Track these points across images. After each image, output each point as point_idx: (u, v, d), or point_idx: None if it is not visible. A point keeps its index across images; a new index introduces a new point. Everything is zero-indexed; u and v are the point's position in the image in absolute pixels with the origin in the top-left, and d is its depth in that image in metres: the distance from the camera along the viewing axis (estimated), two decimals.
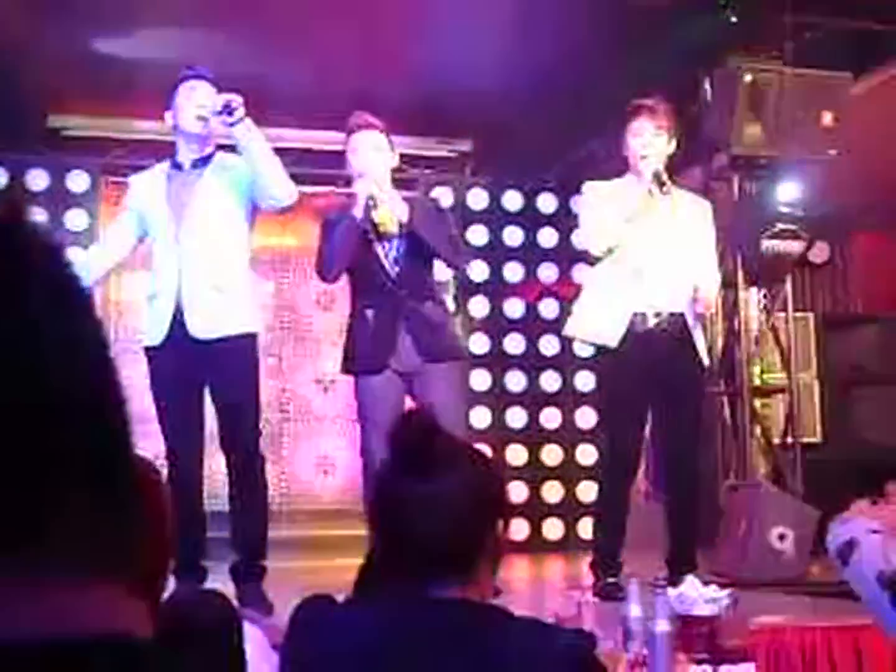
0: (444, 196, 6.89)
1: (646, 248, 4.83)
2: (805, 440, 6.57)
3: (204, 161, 4.58)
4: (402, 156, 5.08)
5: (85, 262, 4.64)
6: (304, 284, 7.76)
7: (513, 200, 7.60)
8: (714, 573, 4.94)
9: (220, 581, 4.29)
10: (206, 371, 4.46)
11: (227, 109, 4.34)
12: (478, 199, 7.49)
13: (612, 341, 4.75)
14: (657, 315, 4.81)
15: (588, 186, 5.06)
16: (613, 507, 4.92)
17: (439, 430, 1.79)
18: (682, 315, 4.83)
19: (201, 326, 4.42)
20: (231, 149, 4.55)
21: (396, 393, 4.63)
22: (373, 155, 4.68)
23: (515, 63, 6.16)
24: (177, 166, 4.63)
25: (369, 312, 4.67)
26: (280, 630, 2.24)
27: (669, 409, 4.86)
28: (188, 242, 4.47)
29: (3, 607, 0.57)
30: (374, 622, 1.75)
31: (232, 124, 4.37)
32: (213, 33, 5.62)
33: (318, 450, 7.67)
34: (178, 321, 4.42)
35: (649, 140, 4.88)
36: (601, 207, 4.88)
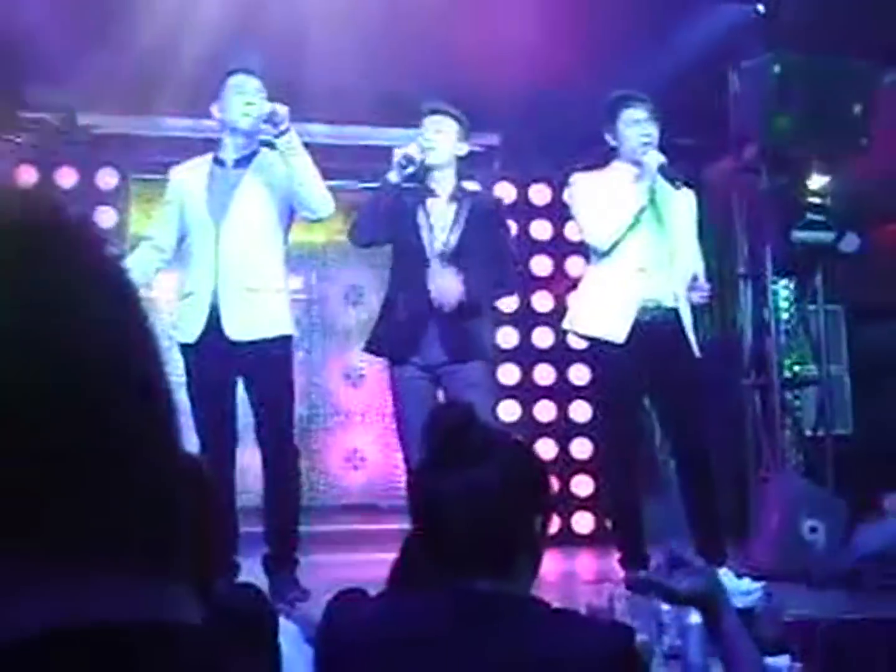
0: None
1: (646, 240, 4.80)
2: (836, 432, 6.53)
3: (247, 160, 4.58)
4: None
5: (137, 262, 4.64)
6: (332, 279, 7.78)
7: (541, 194, 7.57)
8: (747, 566, 4.92)
9: (252, 577, 4.30)
10: (241, 371, 4.50)
11: (272, 121, 4.38)
12: (505, 192, 7.47)
13: (619, 337, 4.71)
14: (656, 308, 4.78)
15: (579, 178, 4.99)
16: (622, 500, 4.89)
17: (475, 420, 1.79)
18: (675, 309, 4.81)
19: (237, 328, 4.44)
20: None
21: (425, 386, 4.63)
22: (433, 136, 4.68)
23: (542, 56, 6.14)
24: (219, 162, 4.62)
25: (402, 299, 4.66)
26: (314, 624, 2.25)
27: (672, 401, 4.83)
28: (227, 242, 4.48)
29: (53, 594, 0.58)
30: (408, 615, 1.76)
31: (275, 136, 4.41)
32: (243, 30, 5.63)
33: (347, 444, 7.68)
34: (213, 320, 4.44)
35: (647, 128, 4.84)
36: (600, 200, 4.83)
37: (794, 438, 6.40)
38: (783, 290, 6.58)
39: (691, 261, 4.94)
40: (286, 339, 4.60)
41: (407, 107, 4.83)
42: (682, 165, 5.24)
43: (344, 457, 7.66)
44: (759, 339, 6.47)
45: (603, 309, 4.81)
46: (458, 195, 4.75)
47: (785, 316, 6.54)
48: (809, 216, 6.10)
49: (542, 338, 7.46)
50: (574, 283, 7.51)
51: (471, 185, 6.70)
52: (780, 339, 6.41)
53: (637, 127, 4.85)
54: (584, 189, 4.95)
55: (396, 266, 4.78)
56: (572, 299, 5.10)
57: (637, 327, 4.71)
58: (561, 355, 7.39)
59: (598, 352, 4.94)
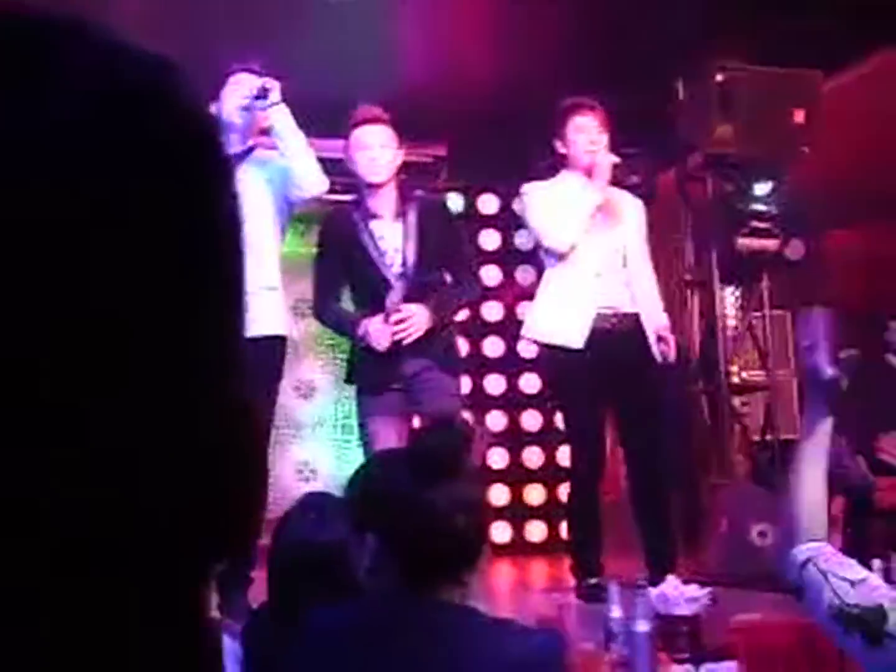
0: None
1: (599, 246, 4.82)
2: (784, 437, 6.58)
3: (242, 156, 4.54)
4: None
5: None
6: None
7: (489, 204, 7.60)
8: (696, 572, 4.95)
9: None
10: None
11: (263, 93, 4.38)
12: (453, 203, 7.47)
13: (578, 343, 4.71)
14: (615, 315, 4.80)
15: (531, 187, 5.01)
16: (585, 508, 4.90)
17: (466, 437, 1.82)
18: (635, 313, 4.83)
19: None
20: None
21: (395, 397, 4.56)
22: (380, 153, 4.62)
23: (488, 65, 6.16)
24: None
25: None
26: None
27: (629, 407, 4.84)
28: None
29: None
30: (350, 622, 1.77)
31: (266, 108, 4.40)
32: (186, 36, 5.60)
33: (298, 457, 7.65)
34: None
35: (596, 137, 4.87)
36: (554, 206, 4.84)
37: (741, 444, 6.44)
38: (729, 296, 6.63)
39: (644, 265, 4.98)
40: (278, 340, 4.53)
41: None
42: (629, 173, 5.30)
43: (295, 469, 7.62)
44: (706, 345, 6.52)
45: (560, 315, 4.81)
46: (401, 210, 4.65)
47: (732, 322, 6.58)
48: (753, 223, 6.16)
49: (493, 347, 7.48)
50: (523, 293, 7.56)
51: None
52: (727, 346, 6.46)
53: (585, 134, 4.87)
54: (537, 197, 4.97)
55: (358, 299, 4.70)
56: (529, 307, 5.11)
57: (597, 335, 4.72)
58: (511, 364, 7.42)
59: (555, 358, 4.91)
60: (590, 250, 4.79)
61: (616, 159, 4.83)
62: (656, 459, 4.87)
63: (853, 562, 1.78)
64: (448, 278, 4.71)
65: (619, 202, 4.96)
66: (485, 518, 1.89)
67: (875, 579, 1.74)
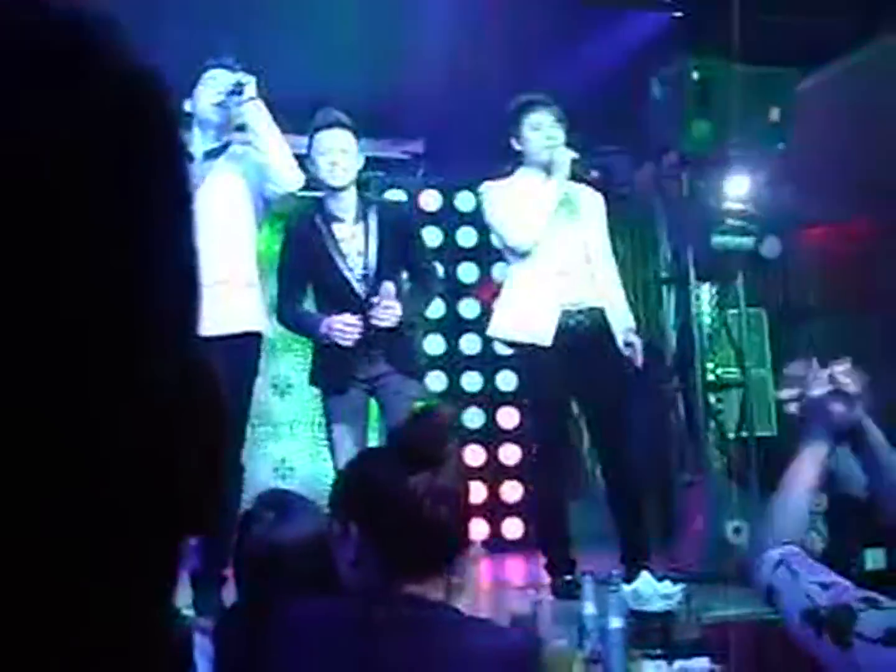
0: (396, 198, 6.90)
1: (561, 242, 4.82)
2: (760, 434, 6.60)
3: (217, 152, 4.53)
4: None
5: None
6: None
7: (466, 201, 7.59)
8: (671, 568, 4.97)
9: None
10: None
11: (238, 89, 4.36)
12: (430, 200, 7.48)
13: (546, 340, 4.71)
14: (579, 311, 4.80)
15: (490, 186, 5.00)
16: (551, 505, 4.90)
17: (448, 428, 1.83)
18: (601, 309, 4.84)
19: (206, 323, 4.30)
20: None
21: (358, 395, 4.58)
22: (339, 157, 4.61)
23: (467, 62, 6.15)
24: (188, 158, 4.54)
25: None
26: None
27: (598, 402, 4.85)
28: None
29: None
30: (324, 617, 1.77)
31: (241, 104, 4.38)
32: (161, 32, 5.57)
33: (275, 454, 7.64)
34: None
35: (553, 132, 4.86)
36: (514, 204, 4.84)
37: (717, 441, 6.46)
38: (705, 294, 6.64)
39: (607, 259, 4.99)
40: (255, 337, 4.51)
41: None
42: (604, 171, 5.29)
43: (272, 467, 7.61)
44: (682, 343, 6.53)
45: (526, 314, 4.80)
46: (362, 213, 4.66)
47: (707, 320, 6.60)
48: (729, 221, 6.17)
49: (470, 345, 7.48)
50: (500, 290, 7.56)
51: (395, 194, 6.71)
52: (703, 343, 6.47)
53: (542, 131, 4.87)
54: (497, 196, 4.96)
55: (322, 303, 4.71)
56: (496, 307, 5.10)
57: (562, 332, 4.72)
58: (488, 362, 7.42)
59: (523, 357, 4.94)
60: (552, 247, 4.79)
61: (574, 154, 4.82)
62: (628, 454, 4.88)
63: (822, 566, 1.79)
64: (409, 281, 4.74)
65: (579, 197, 4.95)
66: (467, 511, 1.89)
67: (844, 581, 1.75)
